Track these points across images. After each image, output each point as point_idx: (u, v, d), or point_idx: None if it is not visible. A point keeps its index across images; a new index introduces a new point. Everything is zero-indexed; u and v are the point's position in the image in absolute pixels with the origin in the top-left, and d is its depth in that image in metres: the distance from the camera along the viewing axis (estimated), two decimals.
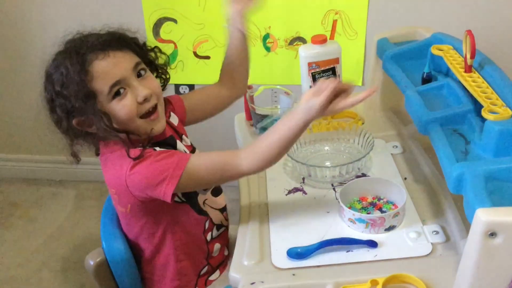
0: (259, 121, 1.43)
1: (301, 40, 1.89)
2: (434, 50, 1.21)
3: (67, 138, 1.04)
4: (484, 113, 0.95)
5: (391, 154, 1.31)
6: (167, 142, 1.11)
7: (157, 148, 1.04)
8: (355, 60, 1.92)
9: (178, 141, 1.14)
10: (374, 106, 1.50)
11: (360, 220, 1.05)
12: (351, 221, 1.07)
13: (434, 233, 1.03)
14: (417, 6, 1.81)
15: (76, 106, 0.97)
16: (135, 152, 1.00)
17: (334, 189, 1.21)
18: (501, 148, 0.92)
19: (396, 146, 1.33)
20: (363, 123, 1.45)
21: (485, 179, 0.85)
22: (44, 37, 2.04)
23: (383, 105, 1.48)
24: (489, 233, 0.76)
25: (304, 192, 1.21)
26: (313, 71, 1.44)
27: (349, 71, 1.93)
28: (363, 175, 1.24)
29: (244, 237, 1.09)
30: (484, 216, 0.76)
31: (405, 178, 1.22)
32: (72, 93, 0.96)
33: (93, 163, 2.21)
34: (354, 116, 1.48)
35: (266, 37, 1.92)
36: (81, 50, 0.98)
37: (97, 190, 2.19)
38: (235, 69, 1.23)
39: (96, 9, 1.95)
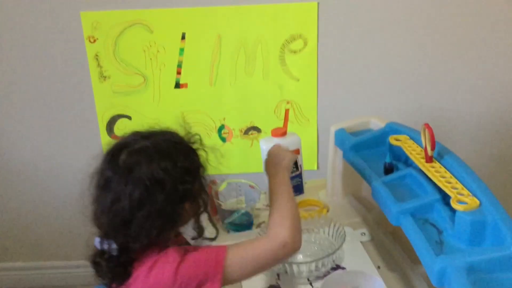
0: (226, 217, 1.42)
1: (256, 129, 1.94)
2: (392, 141, 1.28)
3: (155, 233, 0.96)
4: (454, 204, 1.00)
5: (360, 242, 1.33)
6: None
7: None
8: (309, 145, 1.98)
9: None
10: (336, 193, 1.53)
11: None
12: None
13: None
14: (362, 94, 1.92)
15: (196, 187, 1.01)
16: (173, 252, 0.97)
17: (311, 284, 1.20)
18: (475, 237, 0.96)
19: (364, 233, 1.36)
20: (328, 211, 1.48)
21: (467, 271, 0.88)
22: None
23: (344, 191, 1.52)
24: None
25: None
26: None
27: (304, 156, 1.97)
28: (338, 266, 1.24)
29: None
30: None
31: (379, 267, 1.23)
32: (199, 174, 1.03)
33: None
34: (318, 204, 1.50)
35: (221, 128, 1.95)
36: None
37: None
38: None
39: (48, 108, 1.93)
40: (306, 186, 1.57)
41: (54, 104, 1.92)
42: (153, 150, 0.98)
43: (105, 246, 0.98)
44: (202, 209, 1.04)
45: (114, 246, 0.98)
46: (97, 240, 0.99)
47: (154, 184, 0.95)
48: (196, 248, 0.99)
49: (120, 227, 0.95)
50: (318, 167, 2.01)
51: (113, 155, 0.99)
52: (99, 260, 1.00)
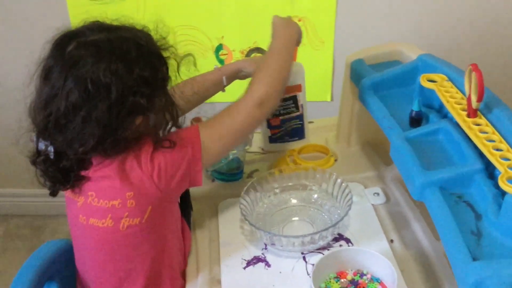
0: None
1: (260, 51, 1.64)
2: (424, 82, 0.97)
3: (111, 150, 0.85)
4: (502, 183, 0.72)
5: (372, 204, 1.07)
6: None
7: None
8: (322, 72, 1.68)
9: None
10: (349, 138, 1.25)
11: None
12: None
13: None
14: (395, 13, 1.58)
15: (157, 102, 0.87)
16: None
17: (304, 258, 0.96)
18: None
19: (378, 194, 1.10)
20: (336, 160, 1.21)
21: None
22: None
23: (359, 137, 1.24)
24: None
25: (267, 264, 0.96)
26: None
27: (316, 85, 1.69)
28: (340, 236, 1.00)
29: None
30: None
31: (392, 241, 0.98)
32: (162, 87, 0.88)
33: (25, 195, 1.94)
34: (325, 151, 1.24)
35: (219, 48, 1.65)
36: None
37: (27, 227, 1.88)
38: (197, 94, 1.12)
39: (13, 16, 1.63)
40: (312, 126, 1.30)
41: (20, 12, 1.64)
42: (107, 47, 0.82)
43: (42, 146, 0.87)
44: (168, 124, 0.91)
45: (51, 148, 0.87)
46: (34, 138, 0.88)
47: (97, 88, 0.80)
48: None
49: (54, 129, 0.83)
50: (332, 98, 1.72)
51: (60, 44, 0.84)
52: (36, 161, 0.89)
